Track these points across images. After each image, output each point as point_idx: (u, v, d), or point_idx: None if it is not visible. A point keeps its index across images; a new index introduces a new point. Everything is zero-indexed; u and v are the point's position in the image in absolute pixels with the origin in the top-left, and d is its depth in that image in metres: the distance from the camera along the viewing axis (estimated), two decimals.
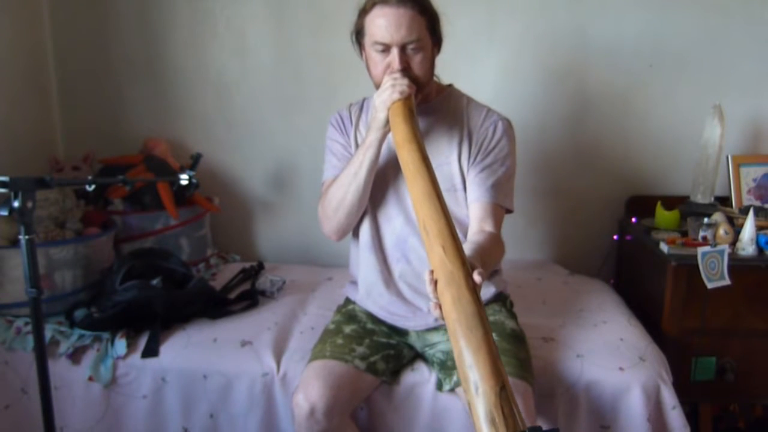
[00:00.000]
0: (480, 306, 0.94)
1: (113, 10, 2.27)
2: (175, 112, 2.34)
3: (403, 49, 1.33)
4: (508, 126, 1.48)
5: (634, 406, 1.47)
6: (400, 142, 1.23)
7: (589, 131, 2.23)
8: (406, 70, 1.34)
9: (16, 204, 1.18)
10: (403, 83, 1.31)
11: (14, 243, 1.69)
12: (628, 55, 2.14)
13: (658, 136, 2.20)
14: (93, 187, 1.50)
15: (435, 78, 1.48)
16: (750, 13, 2.08)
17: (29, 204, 1.20)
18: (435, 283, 0.99)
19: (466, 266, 0.99)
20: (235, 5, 2.23)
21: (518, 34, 2.17)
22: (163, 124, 2.34)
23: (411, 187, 1.15)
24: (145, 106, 2.34)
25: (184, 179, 1.81)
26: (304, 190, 2.34)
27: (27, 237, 1.21)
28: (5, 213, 1.19)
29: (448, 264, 0.99)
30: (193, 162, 1.92)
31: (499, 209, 1.44)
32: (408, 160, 1.18)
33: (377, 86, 1.39)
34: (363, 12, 1.37)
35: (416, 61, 1.35)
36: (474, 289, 0.97)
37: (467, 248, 1.20)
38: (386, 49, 1.34)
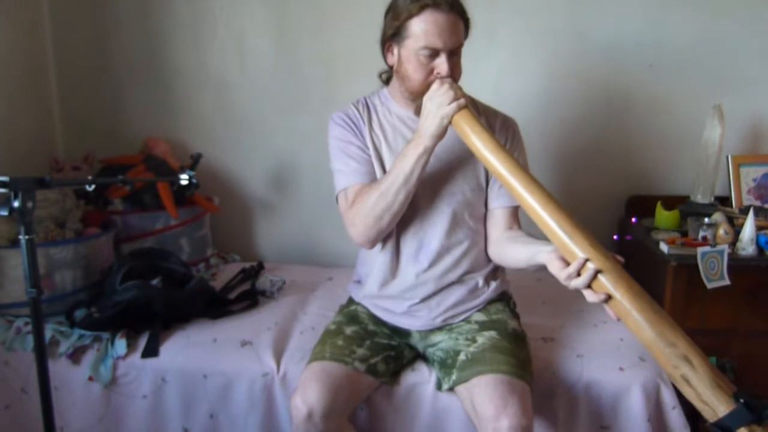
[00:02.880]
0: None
1: (113, 10, 2.27)
2: (175, 112, 2.34)
3: (450, 54, 1.33)
4: (518, 126, 1.53)
5: (634, 406, 1.47)
6: (484, 152, 1.25)
7: (589, 131, 2.23)
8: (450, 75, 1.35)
9: (16, 204, 1.18)
10: (458, 90, 1.30)
11: (14, 243, 1.69)
12: (628, 54, 2.14)
13: (658, 136, 2.20)
14: (93, 187, 1.50)
15: None
16: (750, 13, 2.08)
17: (29, 204, 1.20)
18: (595, 274, 1.09)
19: (617, 260, 1.11)
20: (235, 5, 2.23)
21: (518, 34, 2.17)
22: (163, 124, 2.34)
23: (523, 199, 1.19)
24: (145, 106, 2.34)
25: (184, 179, 1.81)
26: (304, 190, 2.35)
27: (27, 237, 1.21)
28: (5, 213, 1.18)
29: (607, 261, 1.09)
30: (193, 162, 1.92)
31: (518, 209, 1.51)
32: (505, 172, 1.22)
33: (414, 90, 1.37)
34: (407, 14, 1.32)
35: (457, 66, 1.37)
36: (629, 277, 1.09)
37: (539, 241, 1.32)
38: (434, 53, 1.33)
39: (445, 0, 1.31)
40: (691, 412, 1.74)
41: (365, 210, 1.38)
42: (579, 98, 2.20)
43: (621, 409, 1.48)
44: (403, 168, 1.34)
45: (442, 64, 1.33)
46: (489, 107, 1.53)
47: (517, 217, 1.51)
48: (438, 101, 1.29)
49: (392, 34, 1.37)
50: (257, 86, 2.29)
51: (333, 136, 1.50)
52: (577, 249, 1.11)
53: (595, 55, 2.16)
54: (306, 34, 2.23)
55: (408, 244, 1.49)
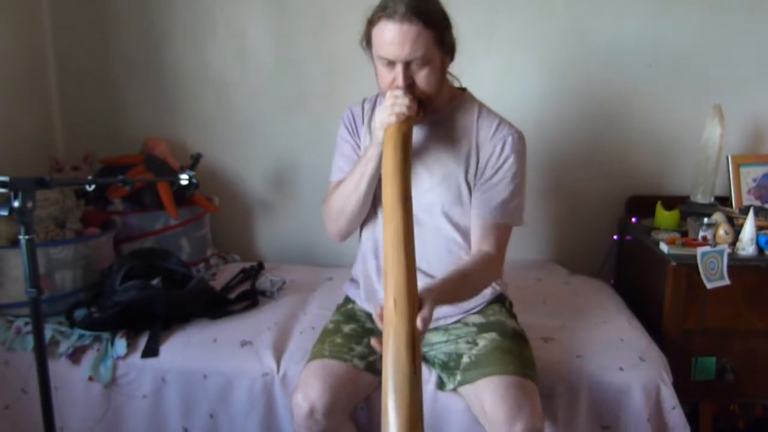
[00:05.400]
0: (415, 368, 0.99)
1: (113, 10, 2.27)
2: (175, 112, 2.34)
3: (407, 64, 1.28)
4: (518, 140, 1.41)
5: (634, 406, 1.47)
6: (385, 173, 1.21)
7: (589, 131, 2.23)
8: (410, 86, 1.30)
9: (16, 204, 1.18)
10: (402, 104, 1.27)
11: (14, 243, 1.69)
12: (628, 54, 2.14)
13: (658, 136, 2.20)
14: (93, 187, 1.50)
15: (449, 81, 1.44)
16: (750, 13, 2.08)
17: (29, 204, 1.20)
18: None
19: (413, 323, 1.03)
20: (235, 6, 2.23)
21: (518, 34, 2.17)
22: (163, 124, 2.34)
23: (384, 226, 1.16)
24: (145, 106, 2.34)
25: (184, 179, 1.81)
26: (304, 190, 2.34)
27: (27, 237, 1.21)
28: (5, 213, 1.19)
29: (395, 319, 1.03)
30: (193, 162, 1.92)
31: (504, 228, 1.43)
32: (387, 196, 1.18)
33: (384, 95, 1.35)
34: (370, 23, 1.31)
35: (421, 76, 1.30)
36: (414, 348, 1.01)
37: (446, 272, 1.27)
38: (391, 63, 1.30)
39: (400, 10, 1.23)
40: (691, 412, 1.74)
41: (329, 208, 1.49)
42: (578, 98, 2.20)
43: (621, 409, 1.48)
44: (354, 173, 1.40)
45: (397, 74, 1.29)
46: (494, 116, 1.45)
47: (496, 234, 1.40)
48: (380, 113, 1.29)
49: (365, 40, 1.35)
50: (257, 86, 2.29)
51: (339, 131, 1.56)
52: (385, 301, 1.07)
53: (594, 55, 2.16)
54: (306, 34, 2.23)
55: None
